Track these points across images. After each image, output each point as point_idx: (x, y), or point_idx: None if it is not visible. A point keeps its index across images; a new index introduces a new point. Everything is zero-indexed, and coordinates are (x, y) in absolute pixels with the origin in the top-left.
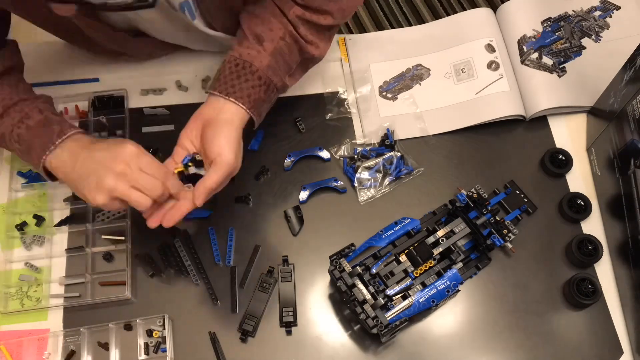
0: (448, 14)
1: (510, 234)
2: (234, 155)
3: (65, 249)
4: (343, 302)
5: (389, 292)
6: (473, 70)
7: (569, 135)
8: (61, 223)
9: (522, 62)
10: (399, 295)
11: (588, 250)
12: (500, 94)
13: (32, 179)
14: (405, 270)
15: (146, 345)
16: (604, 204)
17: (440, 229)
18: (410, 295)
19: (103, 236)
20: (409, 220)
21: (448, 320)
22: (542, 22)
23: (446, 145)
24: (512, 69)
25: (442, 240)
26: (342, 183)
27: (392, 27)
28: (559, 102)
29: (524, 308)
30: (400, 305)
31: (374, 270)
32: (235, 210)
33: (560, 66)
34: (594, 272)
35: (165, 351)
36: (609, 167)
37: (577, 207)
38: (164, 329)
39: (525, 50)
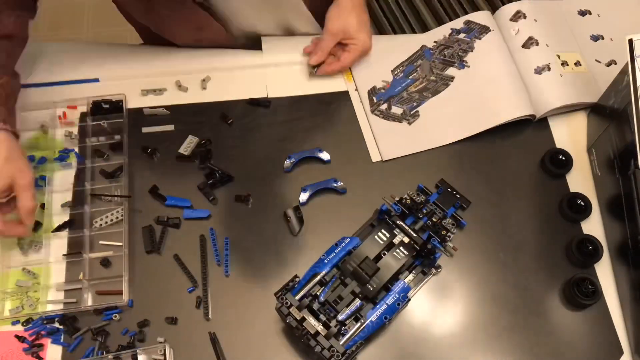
0: (450, 17)
1: (449, 234)
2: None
3: (63, 255)
4: (296, 337)
5: (341, 317)
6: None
7: (569, 135)
8: (59, 228)
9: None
10: (352, 318)
11: (588, 250)
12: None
13: None
14: (353, 292)
15: None
16: (604, 204)
17: (381, 241)
18: (362, 317)
19: (101, 242)
20: (348, 239)
21: (448, 320)
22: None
23: (445, 147)
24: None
25: (384, 254)
26: (342, 184)
27: (394, 31)
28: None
29: (524, 308)
30: (354, 329)
31: (322, 298)
32: (235, 210)
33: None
34: (594, 272)
35: None
36: (609, 167)
37: (577, 207)
38: (165, 358)
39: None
